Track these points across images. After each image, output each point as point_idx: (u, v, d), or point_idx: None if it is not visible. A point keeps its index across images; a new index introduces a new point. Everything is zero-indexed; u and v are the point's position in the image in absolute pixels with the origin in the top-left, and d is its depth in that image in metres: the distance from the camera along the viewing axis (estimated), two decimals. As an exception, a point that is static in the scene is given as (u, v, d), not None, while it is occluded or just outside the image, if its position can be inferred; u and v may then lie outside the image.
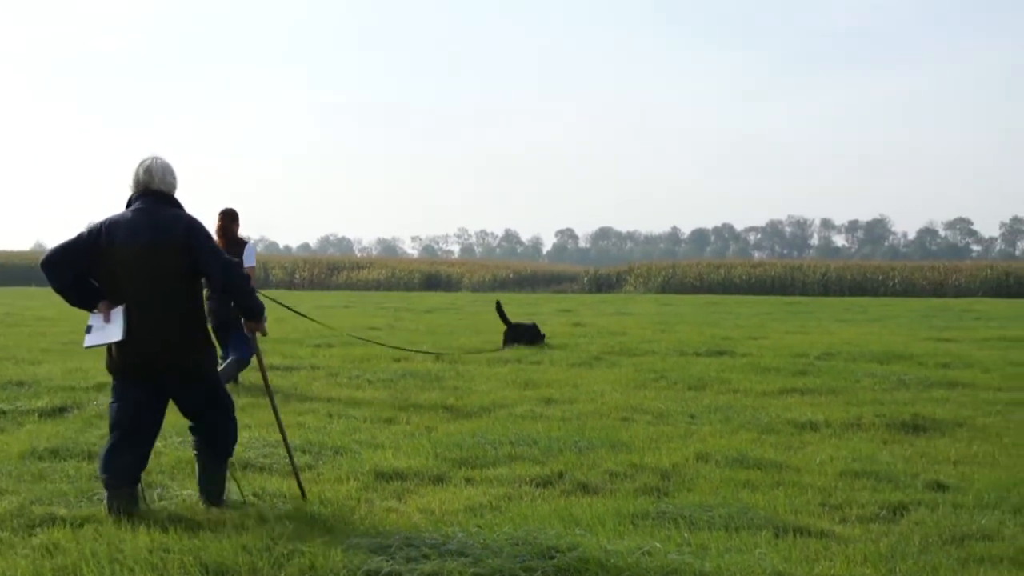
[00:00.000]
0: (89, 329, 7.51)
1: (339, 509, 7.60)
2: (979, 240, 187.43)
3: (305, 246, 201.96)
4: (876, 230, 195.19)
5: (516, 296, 57.91)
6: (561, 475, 8.77)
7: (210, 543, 6.51)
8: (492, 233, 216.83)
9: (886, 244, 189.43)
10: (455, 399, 13.16)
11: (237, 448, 8.55)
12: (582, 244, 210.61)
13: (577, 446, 9.90)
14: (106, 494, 7.35)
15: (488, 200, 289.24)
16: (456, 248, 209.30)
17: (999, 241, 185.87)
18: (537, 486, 8.48)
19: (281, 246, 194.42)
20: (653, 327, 27.71)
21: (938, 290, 65.15)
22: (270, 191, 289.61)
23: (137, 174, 7.59)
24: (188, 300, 7.50)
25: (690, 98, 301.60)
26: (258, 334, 8.01)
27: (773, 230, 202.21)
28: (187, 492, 7.87)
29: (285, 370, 16.15)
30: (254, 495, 7.93)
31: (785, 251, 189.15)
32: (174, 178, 7.68)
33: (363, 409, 12.21)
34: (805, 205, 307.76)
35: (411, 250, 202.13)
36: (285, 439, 8.23)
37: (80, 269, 7.46)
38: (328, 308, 40.07)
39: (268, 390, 8.41)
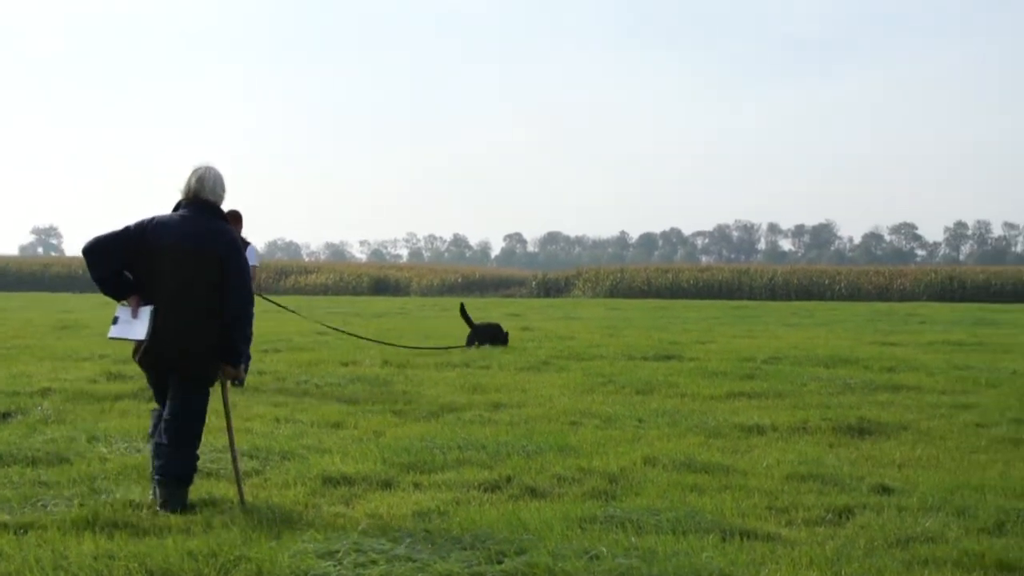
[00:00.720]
0: (115, 320, 7.76)
1: (286, 514, 7.56)
2: (924, 245, 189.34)
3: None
4: (822, 235, 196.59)
5: (465, 300, 57.89)
6: (509, 479, 8.78)
7: (155, 549, 6.47)
8: (441, 237, 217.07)
9: (832, 248, 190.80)
10: (403, 404, 13.14)
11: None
12: (530, 248, 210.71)
13: (525, 450, 9.91)
14: (153, 487, 7.74)
15: (437, 205, 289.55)
16: (404, 252, 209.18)
17: (943, 246, 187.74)
18: (485, 491, 8.48)
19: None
20: (601, 331, 27.77)
21: (883, 294, 65.64)
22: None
23: (189, 182, 7.87)
24: (213, 311, 7.71)
25: (638, 104, 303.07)
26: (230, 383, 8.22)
27: (721, 235, 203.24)
28: (132, 498, 7.81)
29: (232, 375, 16.04)
30: (200, 500, 7.89)
31: (732, 255, 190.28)
32: (223, 190, 8.02)
33: (310, 414, 12.15)
34: (752, 210, 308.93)
35: (359, 254, 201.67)
36: (232, 446, 8.16)
37: (121, 261, 7.73)
38: (276, 313, 39.85)
39: (230, 434, 8.23)
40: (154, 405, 8.15)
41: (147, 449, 9.36)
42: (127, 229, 7.73)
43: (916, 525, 7.42)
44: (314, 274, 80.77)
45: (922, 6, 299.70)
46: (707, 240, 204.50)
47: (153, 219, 7.76)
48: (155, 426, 7.91)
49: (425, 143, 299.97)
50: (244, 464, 9.05)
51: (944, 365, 18.18)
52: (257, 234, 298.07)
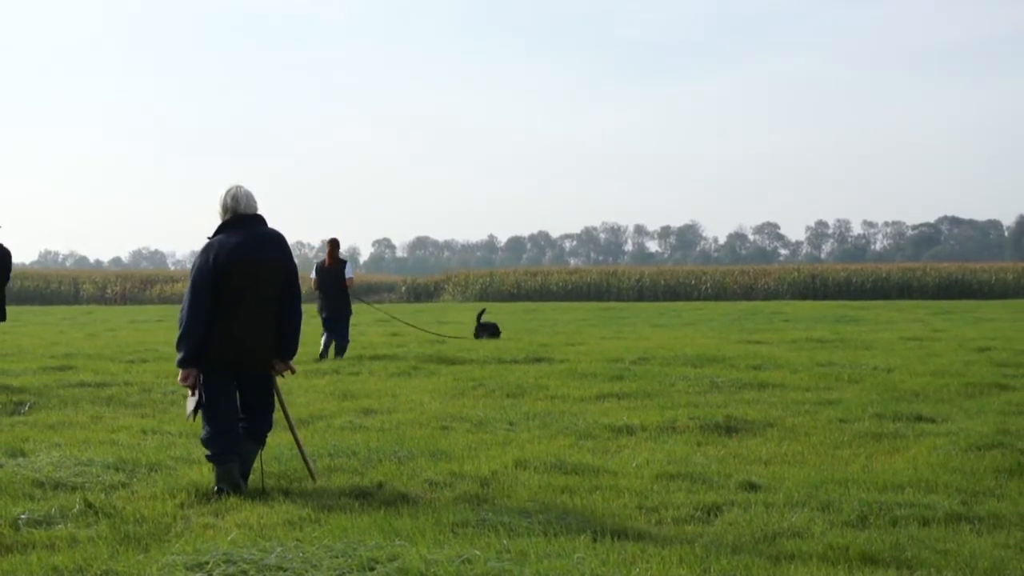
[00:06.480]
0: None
1: (155, 527, 7.47)
2: (786, 244, 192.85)
3: (117, 260, 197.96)
4: (688, 235, 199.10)
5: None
6: (381, 486, 8.76)
7: (19, 566, 6.35)
8: (309, 244, 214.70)
9: (698, 249, 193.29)
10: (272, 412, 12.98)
11: (48, 467, 9.06)
12: (399, 254, 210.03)
13: (396, 456, 9.89)
14: (216, 470, 8.59)
15: (304, 211, 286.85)
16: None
17: (805, 244, 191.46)
18: (356, 498, 8.44)
19: (92, 260, 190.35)
20: (471, 335, 27.79)
21: (748, 293, 66.66)
22: (79, 204, 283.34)
23: (225, 201, 8.67)
24: (276, 312, 8.78)
25: (505, 107, 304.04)
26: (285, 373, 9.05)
27: (588, 237, 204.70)
28: (-5, 515, 7.64)
29: (97, 386, 15.78)
30: (61, 514, 7.75)
31: (600, 257, 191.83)
32: (256, 202, 8.78)
33: (178, 424, 11.98)
34: (619, 212, 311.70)
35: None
36: (293, 430, 9.17)
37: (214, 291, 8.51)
38: (141, 323, 39.33)
39: (287, 416, 9.22)
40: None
41: (9, 464, 9.22)
42: (205, 261, 8.44)
43: (782, 521, 7.55)
44: (180, 283, 79.44)
45: (778, 8, 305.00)
46: (575, 243, 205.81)
47: (211, 245, 8.50)
48: (209, 442, 8.68)
49: (290, 148, 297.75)
50: (110, 477, 8.94)
51: (808, 362, 18.51)
52: (121, 243, 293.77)
